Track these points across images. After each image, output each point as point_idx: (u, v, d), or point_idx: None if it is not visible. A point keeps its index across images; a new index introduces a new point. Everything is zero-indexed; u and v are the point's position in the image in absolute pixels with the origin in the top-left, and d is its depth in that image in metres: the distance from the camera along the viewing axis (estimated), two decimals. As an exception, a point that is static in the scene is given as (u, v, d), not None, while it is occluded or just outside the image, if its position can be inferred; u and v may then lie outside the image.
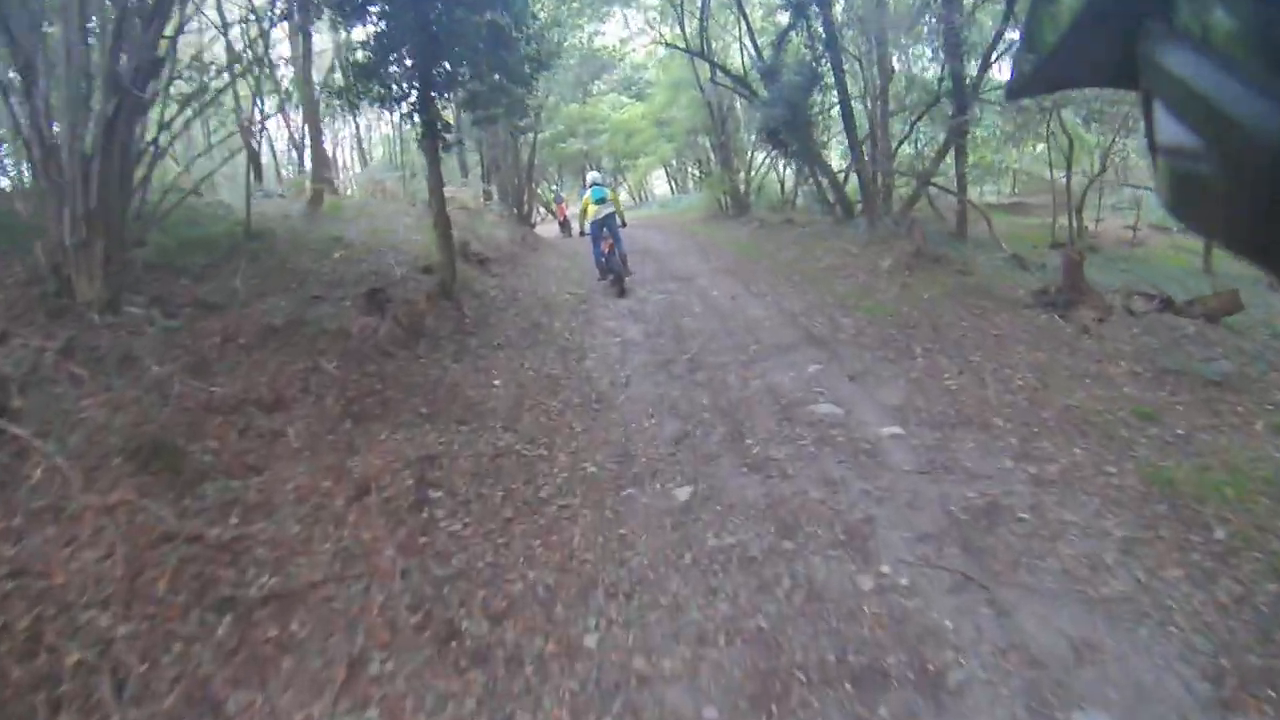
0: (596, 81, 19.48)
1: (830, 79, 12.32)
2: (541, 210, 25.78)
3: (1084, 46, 0.47)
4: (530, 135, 17.24)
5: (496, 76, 6.89)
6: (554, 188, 23.87)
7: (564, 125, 20.40)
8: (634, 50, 19.09)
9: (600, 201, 9.64)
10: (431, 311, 6.86)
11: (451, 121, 7.47)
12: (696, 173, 33.25)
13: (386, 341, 6.07)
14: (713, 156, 30.41)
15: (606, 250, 9.62)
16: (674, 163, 31.13)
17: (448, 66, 7.04)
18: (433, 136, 7.04)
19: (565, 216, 19.29)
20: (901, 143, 14.62)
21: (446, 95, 7.16)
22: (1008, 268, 9.93)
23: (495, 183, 17.93)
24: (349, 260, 7.60)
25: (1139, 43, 0.42)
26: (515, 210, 17.46)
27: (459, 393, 5.72)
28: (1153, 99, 0.43)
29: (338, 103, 6.95)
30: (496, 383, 6.06)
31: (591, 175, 11.15)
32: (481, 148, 16.92)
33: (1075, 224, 15.34)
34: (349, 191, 14.35)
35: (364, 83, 6.70)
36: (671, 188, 35.25)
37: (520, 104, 7.27)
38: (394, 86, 6.85)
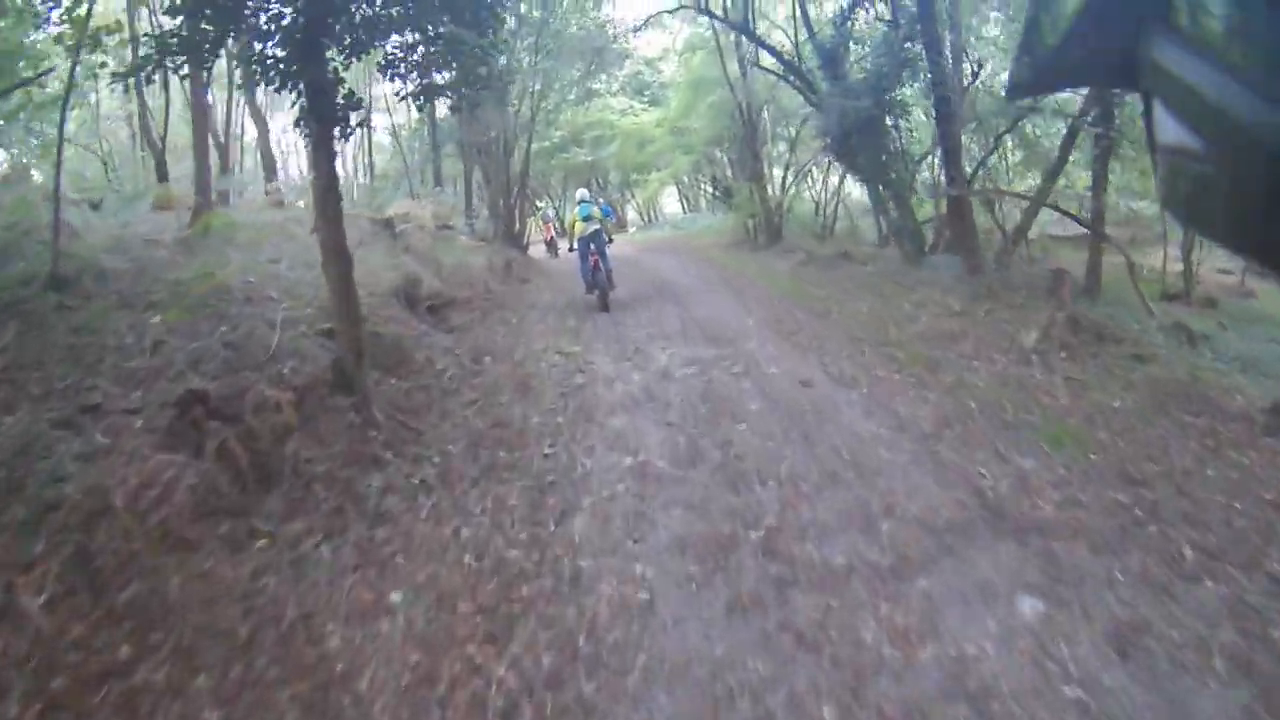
0: (602, 76, 16.43)
1: (922, 61, 9.30)
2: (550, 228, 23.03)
3: (1084, 47, 0.47)
4: (522, 140, 14.38)
5: (442, 20, 4.00)
6: (539, 205, 20.90)
7: (565, 132, 17.44)
8: (651, 27, 16.02)
9: (587, 219, 9.76)
10: (306, 424, 3.94)
11: (357, 92, 4.49)
12: (710, 190, 30.41)
13: (190, 510, 3.14)
14: (730, 173, 27.57)
15: (593, 266, 9.70)
16: (686, 179, 28.27)
17: (364, 8, 4.17)
18: (324, 115, 4.12)
19: (551, 235, 18.03)
20: (982, 162, 11.78)
21: (353, 47, 4.23)
22: (1174, 343, 7.04)
23: (487, 197, 15.14)
24: (191, 323, 4.65)
25: (1139, 43, 0.42)
26: (505, 230, 14.60)
27: (303, 645, 2.79)
28: (1153, 99, 0.43)
29: (154, 65, 3.99)
30: (394, 600, 3.12)
31: (580, 193, 11.14)
32: (464, 152, 14.05)
33: (1190, 270, 12.49)
34: (301, 204, 11.45)
35: (200, 27, 3.81)
36: (683, 205, 32.40)
37: (480, 65, 4.32)
38: (260, 41, 3.95)
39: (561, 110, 16.23)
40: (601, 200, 13.09)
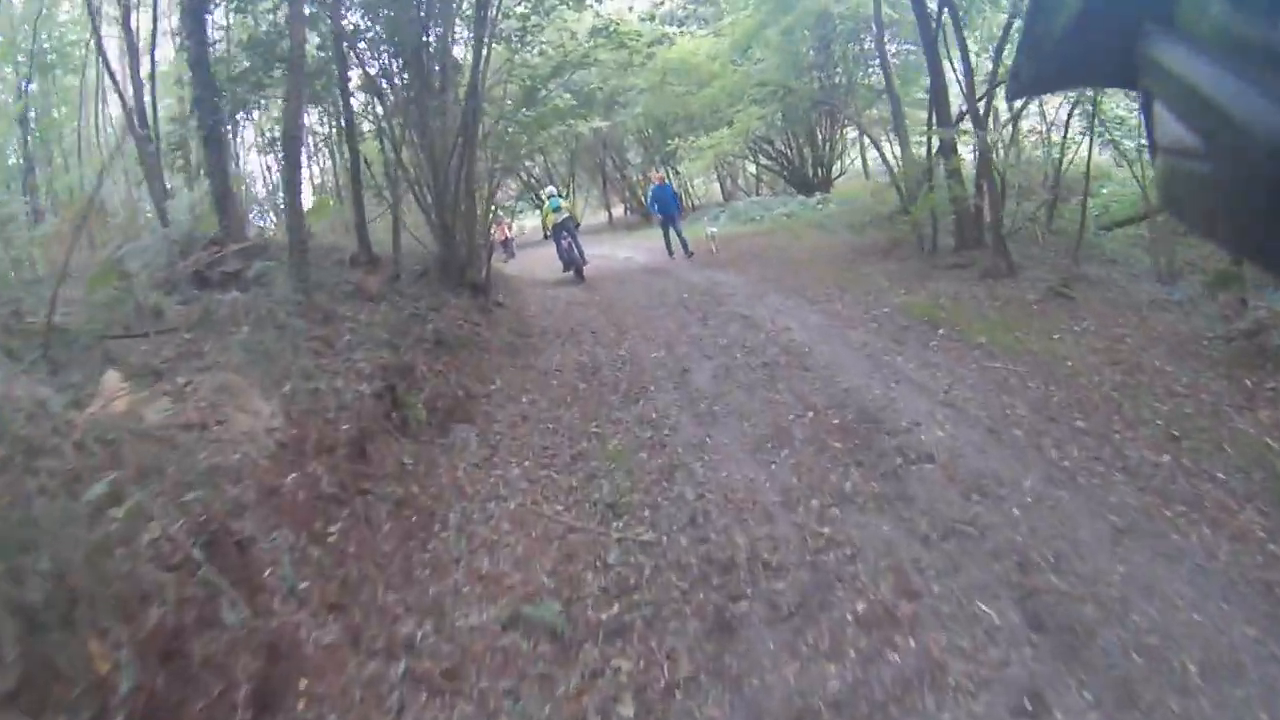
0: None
1: None
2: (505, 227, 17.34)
3: (1084, 46, 0.48)
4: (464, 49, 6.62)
5: None
6: (497, 210, 13.22)
7: (553, 53, 9.03)
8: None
9: (557, 210, 11.15)
10: None
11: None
12: (758, 165, 22.20)
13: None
14: (794, 141, 19.29)
15: (566, 247, 10.71)
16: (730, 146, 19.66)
17: None
18: None
19: (507, 236, 17.21)
20: None
21: None
22: None
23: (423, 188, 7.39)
24: None
25: (1139, 42, 0.42)
26: (444, 250, 6.86)
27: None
28: (1153, 99, 0.43)
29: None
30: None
31: (548, 189, 13.45)
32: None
33: None
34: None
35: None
36: (722, 189, 24.27)
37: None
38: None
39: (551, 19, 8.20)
40: (659, 176, 12.51)
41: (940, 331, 5.59)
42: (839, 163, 20.71)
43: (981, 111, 7.66)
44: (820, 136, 19.20)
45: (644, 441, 4.27)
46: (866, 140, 22.87)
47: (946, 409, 4.39)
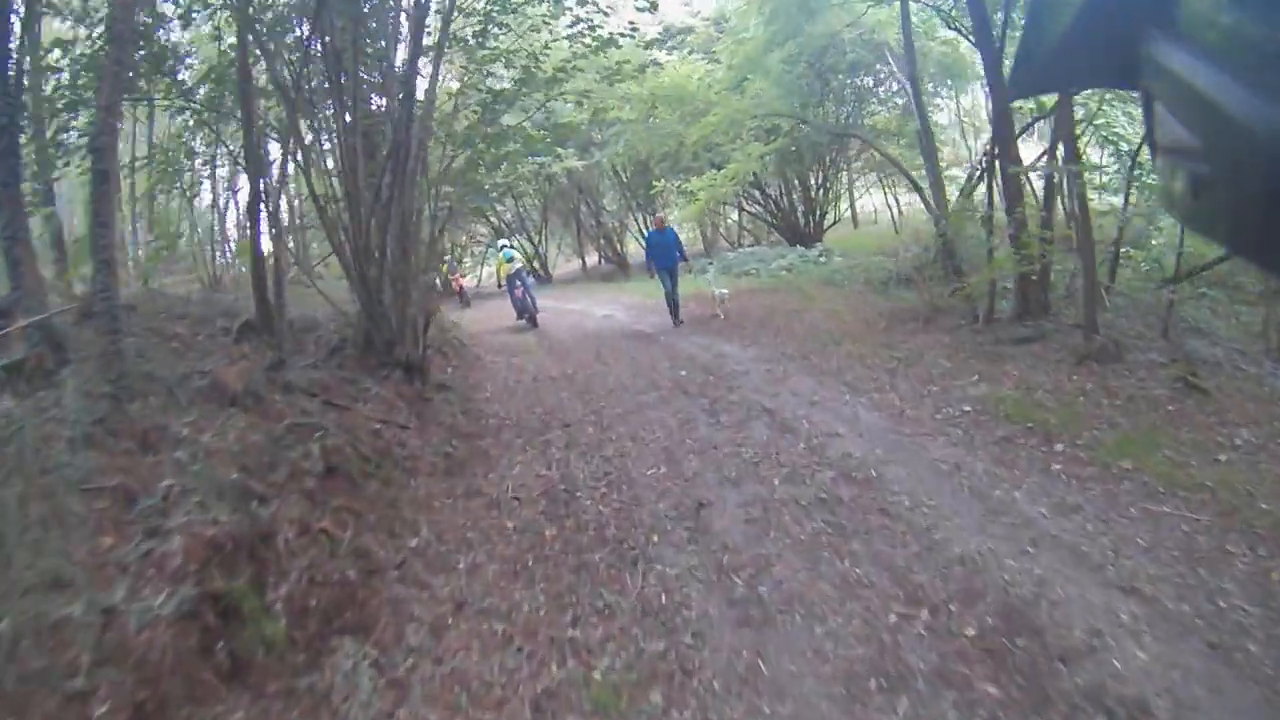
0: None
1: None
2: (459, 279, 17.43)
3: (1084, 46, 0.46)
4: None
5: None
6: (447, 260, 13.92)
7: (525, 59, 7.22)
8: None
9: (510, 260, 11.87)
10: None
11: None
12: (753, 214, 20.60)
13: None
14: (783, 187, 17.88)
15: (519, 295, 11.19)
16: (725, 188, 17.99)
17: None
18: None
19: (461, 287, 17.14)
20: None
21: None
22: None
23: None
24: None
25: (1139, 43, 0.41)
26: (370, 309, 5.12)
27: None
28: (1153, 99, 0.42)
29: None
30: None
31: (501, 242, 14.22)
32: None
33: None
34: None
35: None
36: (704, 238, 22.71)
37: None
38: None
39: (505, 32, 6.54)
40: (658, 219, 10.57)
41: (1058, 448, 3.97)
42: (832, 210, 19.30)
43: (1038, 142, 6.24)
44: (815, 181, 17.83)
45: (654, 664, 2.53)
46: (858, 187, 21.95)
47: (1129, 600, 2.74)
